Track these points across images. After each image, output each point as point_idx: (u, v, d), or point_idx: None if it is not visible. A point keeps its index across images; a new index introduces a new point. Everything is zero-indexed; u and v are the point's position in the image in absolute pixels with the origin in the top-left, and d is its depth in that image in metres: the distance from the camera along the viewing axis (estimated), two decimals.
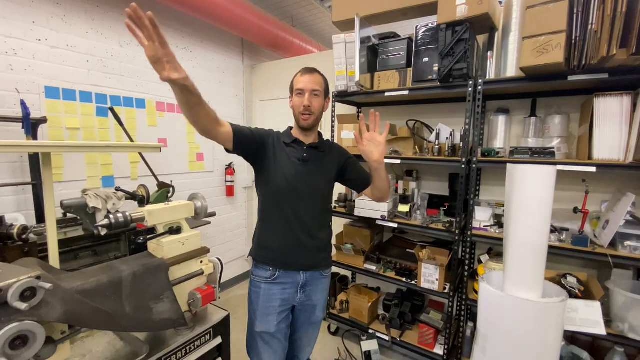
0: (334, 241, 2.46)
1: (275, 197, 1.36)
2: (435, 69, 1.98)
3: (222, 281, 3.20)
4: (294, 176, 1.33)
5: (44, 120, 1.89)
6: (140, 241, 0.98)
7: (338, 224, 2.52)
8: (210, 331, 1.07)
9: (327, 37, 4.12)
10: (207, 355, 1.06)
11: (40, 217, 1.85)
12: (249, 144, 1.30)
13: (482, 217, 2.00)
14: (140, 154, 2.35)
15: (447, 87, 1.90)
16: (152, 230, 1.08)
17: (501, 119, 2.06)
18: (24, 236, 1.23)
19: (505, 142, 2.07)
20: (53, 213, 1.08)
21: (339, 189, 2.56)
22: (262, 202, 1.42)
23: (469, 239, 1.92)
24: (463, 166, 1.88)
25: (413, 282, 2.10)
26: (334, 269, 2.55)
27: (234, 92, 3.37)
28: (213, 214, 1.28)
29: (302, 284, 1.40)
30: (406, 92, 2.04)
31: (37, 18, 1.95)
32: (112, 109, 2.17)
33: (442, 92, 1.97)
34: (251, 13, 2.86)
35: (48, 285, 0.63)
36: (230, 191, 3.34)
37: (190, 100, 1.01)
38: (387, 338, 2.22)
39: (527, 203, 1.42)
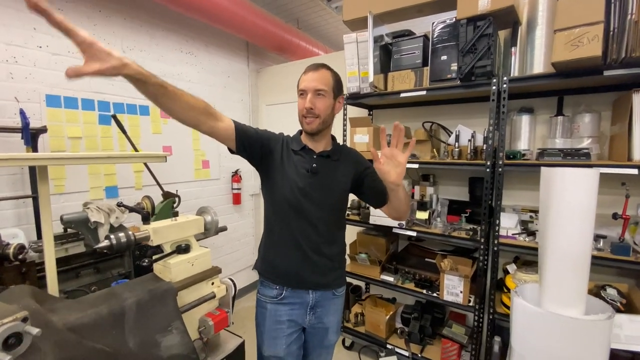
0: (347, 250, 2.36)
1: (280, 209, 1.23)
2: (454, 67, 1.86)
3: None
4: (301, 189, 1.19)
5: (44, 129, 1.81)
6: (145, 264, 0.87)
7: (351, 233, 2.40)
8: None
9: (334, 39, 4.03)
10: None
11: (41, 233, 1.75)
12: (252, 145, 1.17)
13: (507, 223, 1.87)
14: (145, 163, 2.26)
15: (468, 86, 1.78)
16: (158, 246, 0.98)
17: (525, 119, 1.94)
18: (20, 256, 1.13)
19: (530, 144, 1.94)
20: (50, 233, 0.98)
21: (352, 195, 2.44)
22: (267, 212, 1.29)
23: (495, 248, 1.79)
24: (488, 170, 1.76)
25: (435, 295, 1.97)
26: (350, 280, 2.43)
27: (240, 97, 3.28)
28: (224, 229, 1.16)
29: (311, 304, 1.26)
30: (423, 93, 1.92)
31: (38, 24, 1.88)
32: (114, 117, 2.08)
33: (463, 92, 1.85)
34: (256, 15, 2.77)
35: (36, 331, 0.52)
36: (237, 199, 3.24)
37: (147, 90, 0.87)
38: (406, 354, 2.09)
39: (568, 210, 1.29)
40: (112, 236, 0.82)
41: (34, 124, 1.79)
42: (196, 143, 2.86)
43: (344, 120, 2.30)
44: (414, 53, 2.04)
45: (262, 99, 3.45)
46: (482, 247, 1.81)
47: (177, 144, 2.72)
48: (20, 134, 1.73)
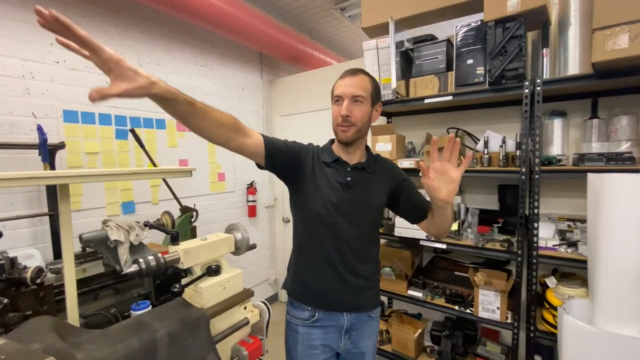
0: None
1: (312, 226, 1.14)
2: (480, 71, 1.79)
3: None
4: (335, 205, 1.10)
5: (61, 145, 1.77)
6: (176, 290, 0.79)
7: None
8: None
9: (346, 48, 4.01)
10: None
11: (58, 252, 1.70)
12: (282, 159, 1.09)
13: (544, 233, 1.75)
14: (163, 178, 2.21)
15: (498, 89, 1.70)
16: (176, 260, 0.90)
17: (557, 123, 1.84)
18: (38, 280, 1.06)
19: (563, 148, 1.83)
20: (71, 255, 0.91)
21: None
22: (297, 228, 1.20)
23: (534, 260, 1.68)
24: (523, 177, 1.66)
25: (468, 311, 1.85)
26: None
27: (254, 108, 3.25)
28: (254, 247, 1.08)
29: (346, 327, 1.17)
30: (449, 98, 1.85)
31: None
32: (132, 131, 2.05)
33: (491, 96, 1.77)
34: (271, 26, 2.75)
35: None
36: (252, 211, 3.17)
37: (176, 110, 0.81)
38: None
39: (621, 219, 1.19)
40: (141, 260, 0.75)
41: (51, 139, 1.75)
42: (212, 156, 2.82)
43: None
44: (437, 58, 1.97)
45: (276, 110, 3.41)
46: (519, 259, 1.69)
47: (193, 157, 2.68)
48: (37, 151, 1.69)
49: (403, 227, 2.02)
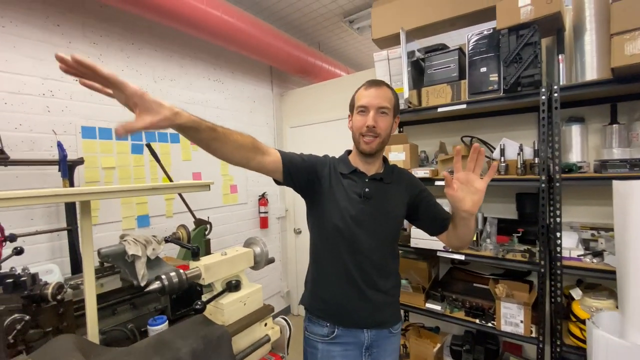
0: None
1: (330, 239, 1.12)
2: (494, 78, 1.77)
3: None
4: (353, 217, 1.09)
5: (80, 161, 1.81)
6: (199, 307, 0.78)
7: None
8: None
9: (355, 60, 4.04)
10: None
11: (76, 267, 1.71)
12: (299, 174, 1.08)
13: (567, 243, 1.69)
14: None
15: (514, 97, 1.68)
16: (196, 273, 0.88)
17: (575, 129, 1.80)
18: (59, 296, 1.06)
19: (583, 155, 1.79)
20: (92, 271, 0.91)
21: None
22: (315, 242, 1.18)
23: (558, 271, 1.62)
24: (543, 185, 1.62)
25: (490, 325, 1.79)
26: None
27: (265, 120, 3.28)
28: (272, 260, 1.07)
29: (367, 344, 1.14)
30: (463, 106, 1.83)
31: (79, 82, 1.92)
32: (149, 145, 2.08)
33: (507, 103, 1.75)
34: (280, 40, 2.80)
35: None
36: (264, 223, 3.16)
37: (198, 137, 0.82)
38: None
39: None
40: (163, 276, 0.75)
41: (70, 155, 1.79)
42: (224, 168, 2.84)
43: None
44: (450, 67, 1.96)
45: (286, 122, 3.44)
46: (542, 270, 1.64)
47: (206, 170, 2.70)
48: (57, 166, 1.73)
49: (419, 238, 1.99)
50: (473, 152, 0.89)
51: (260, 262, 0.96)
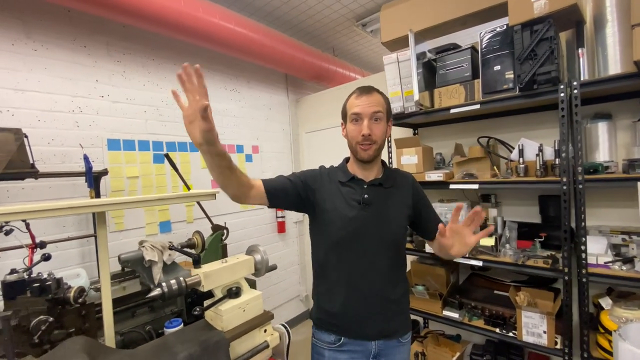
0: None
1: (332, 250, 1.11)
2: (509, 76, 1.70)
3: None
4: (354, 224, 1.08)
5: (105, 172, 1.93)
6: (197, 312, 0.82)
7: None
8: None
9: (370, 63, 4.03)
10: None
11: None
12: (287, 196, 1.10)
13: (595, 249, 1.59)
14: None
15: (530, 95, 1.60)
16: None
17: (602, 127, 1.68)
18: (80, 300, 1.15)
19: (610, 154, 1.67)
20: (107, 276, 0.98)
21: None
22: (317, 255, 1.17)
23: (584, 279, 1.52)
24: (564, 187, 1.53)
25: (511, 334, 1.70)
26: None
27: (281, 127, 3.34)
28: (274, 267, 1.09)
29: (374, 353, 1.12)
30: (477, 107, 1.77)
31: (100, 76, 2.07)
32: (167, 156, 2.18)
33: (523, 102, 1.67)
34: (293, 47, 2.84)
35: None
36: (281, 227, 3.21)
37: (220, 163, 0.91)
38: None
39: None
40: (163, 284, 0.79)
41: (97, 167, 1.92)
42: None
43: (389, 142, 2.19)
44: (462, 66, 1.91)
45: (302, 127, 3.48)
46: (566, 278, 1.54)
47: None
48: (84, 178, 1.86)
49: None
50: (472, 213, 0.96)
51: (261, 269, 0.98)
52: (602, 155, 1.68)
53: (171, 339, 0.80)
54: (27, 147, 1.48)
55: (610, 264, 1.49)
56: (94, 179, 1.79)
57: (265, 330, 0.90)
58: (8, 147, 1.35)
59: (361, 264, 1.09)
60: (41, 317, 1.04)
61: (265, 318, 0.91)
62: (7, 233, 1.27)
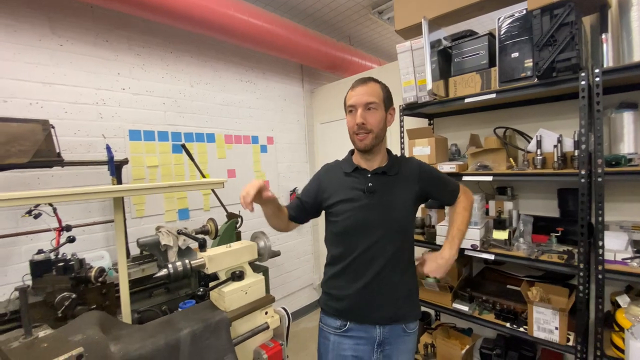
0: None
1: (341, 238, 1.17)
2: (529, 64, 1.63)
3: (292, 311, 3.05)
4: (360, 212, 1.12)
5: (125, 161, 2.03)
6: (200, 293, 0.87)
7: (416, 253, 2.21)
8: None
9: (387, 51, 3.95)
10: None
11: (127, 253, 1.94)
12: (306, 210, 1.25)
13: (614, 245, 1.52)
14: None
15: (548, 83, 1.53)
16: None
17: (627, 117, 1.58)
18: (100, 279, 1.24)
19: (636, 146, 1.57)
20: (124, 258, 1.05)
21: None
22: (328, 243, 1.25)
23: (599, 276, 1.46)
24: (583, 180, 1.46)
25: (522, 329, 1.67)
26: None
27: (296, 118, 3.36)
28: (277, 254, 1.13)
29: (379, 340, 1.15)
30: (493, 96, 1.71)
31: (122, 70, 2.17)
32: (183, 146, 2.27)
33: (542, 91, 1.60)
34: (308, 37, 2.84)
35: None
36: None
37: (273, 212, 1.16)
38: None
39: None
40: (170, 265, 0.84)
41: (119, 156, 2.02)
42: (257, 165, 2.98)
43: (401, 132, 2.16)
44: (479, 54, 1.84)
45: (317, 118, 3.49)
46: (581, 274, 1.49)
47: (240, 167, 2.86)
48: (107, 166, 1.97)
49: (445, 236, 1.91)
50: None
51: (264, 254, 1.02)
52: (626, 146, 1.59)
53: (177, 316, 0.86)
54: (54, 137, 1.58)
55: (629, 261, 1.42)
56: (115, 168, 1.89)
57: (266, 313, 0.94)
58: (36, 137, 1.46)
59: (368, 250, 1.12)
60: (65, 293, 1.13)
61: (266, 301, 0.95)
62: (36, 216, 1.38)
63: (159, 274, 0.84)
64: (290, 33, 2.68)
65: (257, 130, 2.99)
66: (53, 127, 1.57)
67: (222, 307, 0.89)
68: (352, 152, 1.24)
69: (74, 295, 1.13)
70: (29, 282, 1.26)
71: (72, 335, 0.64)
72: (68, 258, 1.22)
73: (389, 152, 1.23)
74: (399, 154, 2.15)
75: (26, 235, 1.76)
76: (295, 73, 3.33)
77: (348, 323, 1.15)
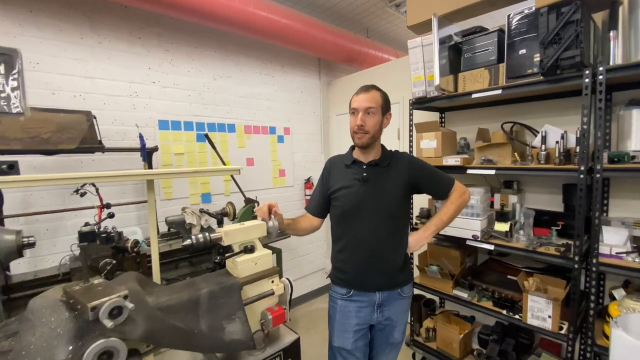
0: (416, 262, 2.27)
1: (342, 220, 1.37)
2: (537, 60, 1.66)
3: (303, 293, 3.25)
4: (355, 197, 1.32)
5: (155, 149, 2.25)
6: (217, 260, 1.04)
7: None
8: (280, 354, 1.06)
9: (404, 42, 3.94)
10: None
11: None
12: (324, 205, 1.45)
13: (613, 240, 1.56)
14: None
15: (553, 80, 1.57)
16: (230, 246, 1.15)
17: (636, 114, 1.59)
18: (135, 249, 1.44)
19: None
20: (155, 233, 1.23)
21: (420, 203, 2.36)
22: (332, 225, 1.44)
23: (594, 269, 1.51)
24: (582, 176, 1.51)
25: (517, 317, 1.76)
26: (418, 292, 2.33)
27: (312, 110, 3.48)
28: (284, 233, 1.29)
29: (378, 303, 1.35)
30: (498, 92, 1.76)
31: (152, 64, 2.37)
32: (206, 136, 2.45)
33: (547, 87, 1.63)
34: (325, 32, 2.93)
35: (131, 306, 0.70)
36: None
37: (292, 231, 1.43)
38: None
39: None
40: (193, 236, 1.01)
41: (149, 144, 2.24)
42: (274, 154, 3.15)
43: (410, 126, 2.24)
44: (488, 50, 1.88)
45: (333, 110, 3.59)
46: (576, 266, 1.55)
47: (258, 156, 3.04)
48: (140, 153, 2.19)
49: (449, 226, 1.99)
50: None
51: (272, 233, 1.18)
52: (634, 143, 1.60)
53: (198, 279, 1.03)
54: (96, 127, 1.80)
55: (624, 255, 1.47)
56: (147, 155, 2.11)
57: (272, 281, 1.10)
58: (81, 127, 1.68)
59: (363, 230, 1.31)
60: (107, 259, 1.34)
61: (273, 271, 1.11)
62: (82, 195, 1.61)
63: (184, 243, 1.01)
64: (308, 27, 2.78)
65: (274, 121, 3.15)
66: (95, 118, 1.79)
67: (235, 274, 1.05)
68: (352, 148, 1.43)
69: (114, 262, 1.34)
70: (77, 251, 1.49)
71: (118, 285, 0.82)
72: (109, 231, 1.43)
73: (383, 147, 1.40)
74: (406, 149, 2.26)
75: (71, 212, 2.02)
76: (313, 66, 3.44)
77: (352, 290, 1.35)
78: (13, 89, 0.90)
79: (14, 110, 0.91)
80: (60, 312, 0.71)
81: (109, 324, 0.65)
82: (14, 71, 0.92)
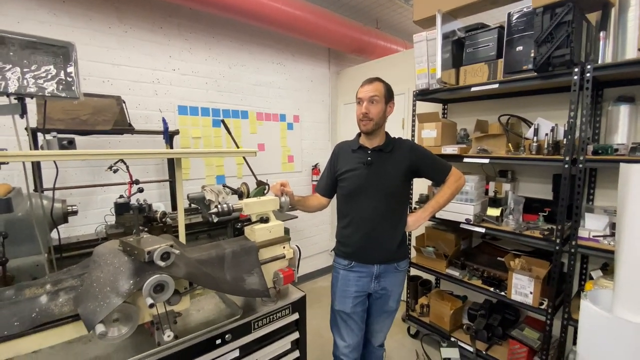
0: (414, 243, 2.45)
1: (347, 199, 1.52)
2: (532, 57, 1.78)
3: (309, 271, 3.45)
4: (359, 179, 1.46)
5: (176, 132, 2.43)
6: (238, 226, 1.23)
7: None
8: (289, 307, 1.25)
9: (413, 34, 4.02)
10: (286, 327, 1.26)
11: (174, 206, 2.39)
12: (332, 185, 1.60)
13: (594, 225, 1.71)
14: (243, 157, 2.78)
15: (545, 76, 1.70)
16: (248, 219, 1.33)
17: (623, 110, 1.71)
18: (163, 219, 1.65)
19: (629, 137, 1.71)
20: (182, 205, 1.42)
21: (420, 189, 2.52)
22: (338, 203, 1.61)
23: (572, 250, 1.67)
24: (566, 166, 1.65)
25: (502, 293, 1.93)
26: (415, 272, 2.51)
27: (321, 98, 3.62)
28: (294, 208, 1.48)
29: (376, 274, 1.51)
30: (495, 86, 1.89)
31: (172, 52, 2.53)
32: (223, 121, 2.63)
33: (540, 83, 1.76)
34: (336, 23, 3.04)
35: (177, 251, 0.89)
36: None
37: (302, 208, 1.60)
38: (471, 349, 2.09)
39: None
40: (219, 205, 1.20)
41: (170, 128, 2.42)
42: (283, 141, 3.32)
43: (413, 116, 2.38)
44: (488, 45, 2.00)
45: (341, 99, 3.72)
46: (557, 248, 1.71)
47: (268, 142, 3.21)
48: (162, 136, 2.38)
49: (444, 210, 2.14)
50: None
51: (284, 207, 1.37)
52: (620, 137, 1.73)
53: (222, 242, 1.22)
54: (125, 110, 1.99)
55: (601, 239, 1.62)
56: (169, 137, 2.29)
57: (284, 247, 1.29)
58: (113, 110, 1.86)
59: (365, 208, 1.47)
60: (140, 227, 1.54)
61: (284, 239, 1.29)
62: (115, 171, 1.80)
63: (212, 211, 1.20)
64: (319, 19, 2.90)
65: (284, 108, 3.30)
66: (124, 102, 1.97)
67: (253, 239, 1.24)
68: (359, 135, 1.57)
69: (146, 229, 1.55)
70: (111, 221, 1.70)
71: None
72: (141, 203, 1.63)
73: (387, 134, 1.54)
74: (409, 137, 2.40)
75: (101, 187, 2.23)
76: (323, 55, 3.56)
77: (353, 262, 1.52)
78: (70, 77, 1.08)
79: (71, 96, 1.08)
80: (120, 256, 0.90)
81: (161, 264, 0.85)
82: (71, 61, 1.09)
